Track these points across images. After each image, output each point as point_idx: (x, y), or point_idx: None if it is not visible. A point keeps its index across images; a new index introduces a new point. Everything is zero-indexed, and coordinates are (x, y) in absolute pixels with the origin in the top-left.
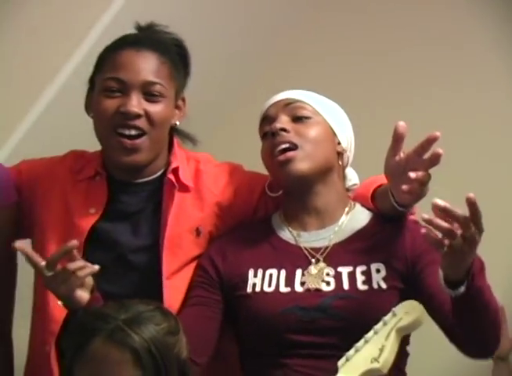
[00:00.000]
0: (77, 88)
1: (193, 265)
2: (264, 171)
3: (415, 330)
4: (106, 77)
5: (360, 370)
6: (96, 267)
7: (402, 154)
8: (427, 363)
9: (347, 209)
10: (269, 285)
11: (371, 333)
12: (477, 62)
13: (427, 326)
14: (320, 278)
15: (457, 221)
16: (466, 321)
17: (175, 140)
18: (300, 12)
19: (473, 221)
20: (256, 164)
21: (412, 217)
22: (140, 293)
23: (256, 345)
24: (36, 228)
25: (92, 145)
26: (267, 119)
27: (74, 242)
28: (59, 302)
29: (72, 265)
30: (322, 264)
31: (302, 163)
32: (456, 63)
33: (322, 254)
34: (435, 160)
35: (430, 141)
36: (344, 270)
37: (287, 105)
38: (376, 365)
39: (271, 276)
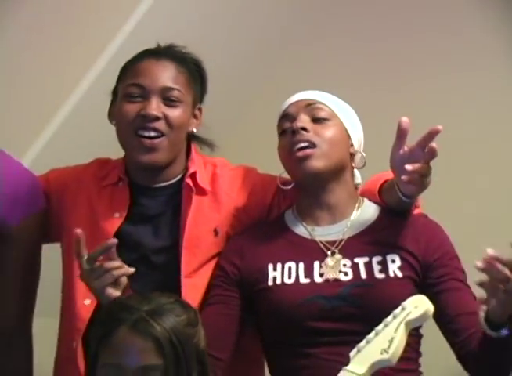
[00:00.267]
0: (98, 97)
1: (212, 263)
2: (276, 173)
3: (423, 323)
4: (128, 83)
5: (371, 360)
6: (131, 270)
7: (405, 148)
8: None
9: (357, 205)
10: (289, 277)
11: (381, 325)
12: (481, 58)
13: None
14: (337, 269)
15: (510, 267)
16: (493, 359)
17: (193, 146)
18: (311, 13)
19: None
20: (269, 167)
21: (417, 211)
22: (161, 290)
23: (280, 336)
24: (64, 233)
25: (111, 153)
26: (287, 117)
27: (114, 240)
28: (86, 302)
29: (109, 264)
30: (338, 256)
31: (318, 161)
32: (458, 61)
33: (337, 247)
34: (432, 153)
35: (432, 134)
36: (361, 261)
37: (308, 105)
38: (385, 356)
39: (290, 268)
